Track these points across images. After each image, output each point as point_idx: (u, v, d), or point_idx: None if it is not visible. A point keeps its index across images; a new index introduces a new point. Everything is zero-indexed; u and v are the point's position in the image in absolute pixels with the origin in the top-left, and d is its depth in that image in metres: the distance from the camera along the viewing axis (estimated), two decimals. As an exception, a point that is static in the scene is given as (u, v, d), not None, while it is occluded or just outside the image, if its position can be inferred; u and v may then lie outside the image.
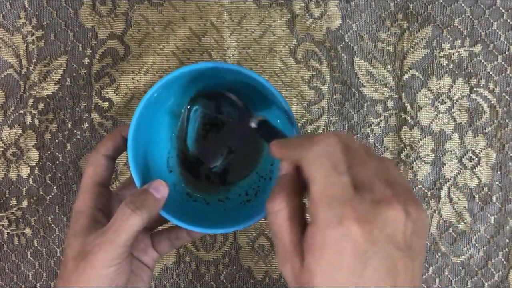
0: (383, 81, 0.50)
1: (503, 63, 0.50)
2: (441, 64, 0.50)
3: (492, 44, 0.50)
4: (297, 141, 0.27)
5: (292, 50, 0.50)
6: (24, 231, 0.50)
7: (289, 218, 0.26)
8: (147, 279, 0.37)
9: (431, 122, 0.50)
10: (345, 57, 0.50)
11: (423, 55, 0.50)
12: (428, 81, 0.50)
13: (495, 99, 0.50)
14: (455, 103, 0.50)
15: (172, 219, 0.34)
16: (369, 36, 0.50)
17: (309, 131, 0.50)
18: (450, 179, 0.50)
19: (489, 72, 0.50)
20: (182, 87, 0.39)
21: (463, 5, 0.50)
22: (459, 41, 0.50)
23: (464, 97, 0.50)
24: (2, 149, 0.50)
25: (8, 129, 0.50)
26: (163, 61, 0.50)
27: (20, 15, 0.49)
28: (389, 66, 0.50)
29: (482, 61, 0.50)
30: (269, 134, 0.31)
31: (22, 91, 0.50)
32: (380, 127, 0.50)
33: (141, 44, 0.50)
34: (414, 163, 0.50)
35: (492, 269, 0.50)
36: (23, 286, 0.50)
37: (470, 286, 0.50)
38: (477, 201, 0.50)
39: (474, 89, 0.50)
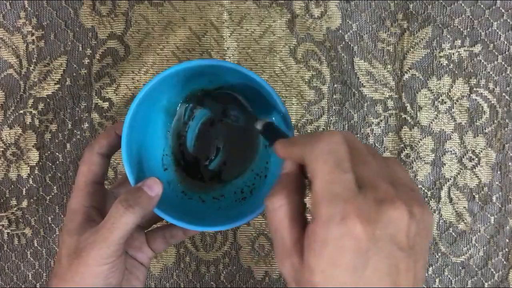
0: (383, 81, 0.50)
1: (503, 63, 0.50)
2: (441, 64, 0.50)
3: (492, 44, 0.50)
4: (301, 139, 0.27)
5: (292, 50, 0.50)
6: (24, 231, 0.50)
7: (289, 215, 0.26)
8: (142, 277, 0.37)
9: (431, 122, 0.50)
10: (345, 57, 0.50)
11: (423, 55, 0.50)
12: (428, 81, 0.50)
13: (495, 99, 0.50)
14: (455, 103, 0.50)
15: (167, 217, 0.34)
16: (369, 36, 0.50)
17: (309, 131, 0.50)
18: (450, 179, 0.50)
19: (489, 72, 0.50)
20: (177, 85, 0.38)
21: (463, 5, 0.50)
22: (459, 41, 0.50)
23: (464, 97, 0.50)
24: (2, 149, 0.50)
25: (8, 129, 0.50)
26: (163, 61, 0.50)
27: (20, 15, 0.49)
28: (389, 66, 0.50)
29: (482, 61, 0.50)
30: (274, 136, 0.31)
31: (22, 91, 0.50)
32: (380, 127, 0.50)
33: (141, 44, 0.50)
34: (414, 163, 0.50)
35: (492, 269, 0.50)
36: (23, 286, 0.50)
37: (470, 286, 0.50)
38: (477, 201, 0.50)
39: (474, 89, 0.50)
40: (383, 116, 0.50)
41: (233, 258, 0.51)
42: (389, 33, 0.50)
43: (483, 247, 0.50)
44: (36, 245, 0.50)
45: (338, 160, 0.24)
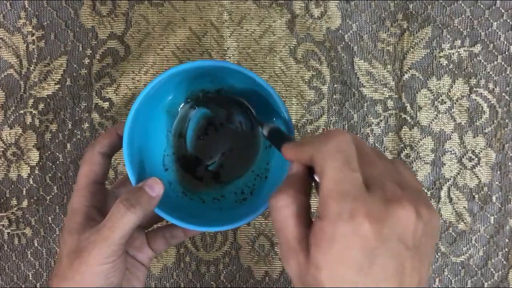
0: (383, 81, 0.50)
1: (503, 63, 0.50)
2: (441, 64, 0.50)
3: (492, 44, 0.50)
4: (310, 139, 0.27)
5: (292, 50, 0.50)
6: (24, 231, 0.50)
7: (294, 214, 0.26)
8: (143, 277, 0.37)
9: (431, 122, 0.50)
10: (345, 57, 0.50)
11: (423, 55, 0.50)
12: (428, 81, 0.50)
13: (495, 99, 0.50)
14: (455, 103, 0.50)
15: (167, 217, 0.34)
16: (369, 36, 0.50)
17: (309, 131, 0.50)
18: (450, 179, 0.50)
19: (489, 72, 0.50)
20: (178, 86, 0.39)
21: (463, 5, 0.50)
22: (459, 41, 0.50)
23: (464, 97, 0.50)
24: (2, 149, 0.50)
25: (8, 129, 0.50)
26: (163, 61, 0.50)
27: (20, 15, 0.49)
28: (389, 66, 0.50)
29: (482, 61, 0.50)
30: (280, 140, 0.31)
31: (22, 91, 0.50)
32: (380, 127, 0.50)
33: (141, 44, 0.50)
34: (414, 163, 0.50)
35: (492, 269, 0.50)
36: (23, 286, 0.50)
37: (470, 286, 0.50)
38: (477, 201, 0.50)
39: (474, 89, 0.50)
40: (383, 116, 0.50)
41: (233, 258, 0.51)
42: (389, 33, 0.50)
43: (483, 247, 0.50)
44: (36, 245, 0.50)
45: (347, 159, 0.24)
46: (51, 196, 0.50)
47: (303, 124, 0.50)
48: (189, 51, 0.50)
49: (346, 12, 0.50)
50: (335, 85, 0.50)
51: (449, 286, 0.51)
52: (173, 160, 0.40)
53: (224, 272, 0.51)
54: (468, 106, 0.50)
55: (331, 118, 0.50)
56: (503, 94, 0.50)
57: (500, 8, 0.50)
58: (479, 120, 0.50)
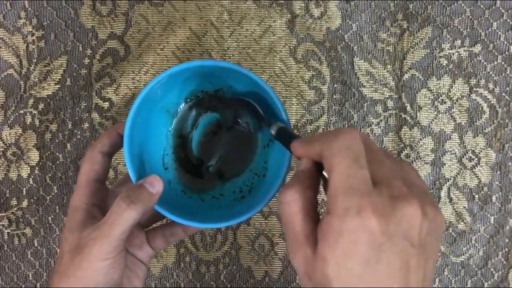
0: (383, 81, 0.50)
1: (503, 63, 0.50)
2: (441, 64, 0.50)
3: (492, 44, 0.50)
4: (319, 136, 0.28)
5: (292, 50, 0.50)
6: (24, 231, 0.50)
7: (302, 209, 0.26)
8: (142, 276, 0.38)
9: (431, 122, 0.50)
10: (345, 57, 0.50)
11: (423, 55, 0.50)
12: (428, 81, 0.50)
13: (494, 99, 0.50)
14: (455, 103, 0.50)
15: (167, 213, 0.35)
16: (369, 36, 0.50)
17: (309, 131, 0.50)
18: (450, 179, 0.50)
19: (489, 72, 0.50)
20: (178, 86, 0.39)
21: (463, 5, 0.50)
22: (459, 41, 0.50)
23: (464, 97, 0.50)
24: (2, 149, 0.50)
25: (8, 129, 0.50)
26: (163, 61, 0.50)
27: (20, 15, 0.49)
28: (389, 66, 0.50)
29: (482, 61, 0.50)
30: (288, 138, 0.32)
31: (22, 91, 0.50)
32: (380, 127, 0.50)
33: (141, 44, 0.50)
34: (414, 163, 0.50)
35: (492, 269, 0.50)
36: (23, 286, 0.50)
37: (470, 286, 0.50)
38: (477, 201, 0.50)
39: (474, 89, 0.50)
40: (383, 116, 0.50)
41: (233, 258, 0.51)
42: (389, 33, 0.50)
43: (483, 247, 0.50)
44: (36, 245, 0.50)
45: (356, 155, 0.25)
46: (51, 196, 0.50)
47: (303, 124, 0.50)
48: (189, 51, 0.50)
49: (346, 12, 0.50)
50: (335, 85, 0.50)
51: (449, 286, 0.51)
52: (172, 159, 0.41)
53: (224, 272, 0.51)
54: (468, 106, 0.50)
55: (331, 118, 0.50)
56: (503, 94, 0.50)
57: (500, 8, 0.50)
58: (479, 120, 0.50)
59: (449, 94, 0.50)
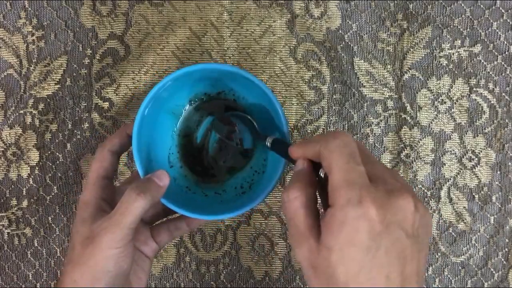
0: (383, 81, 0.50)
1: (503, 63, 0.50)
2: (441, 64, 0.50)
3: (492, 44, 0.50)
4: (316, 137, 0.30)
5: (292, 50, 0.50)
6: (24, 231, 0.50)
7: (304, 204, 0.29)
8: (147, 269, 0.40)
9: (431, 122, 0.50)
10: (345, 57, 0.50)
11: (423, 55, 0.50)
12: (428, 81, 0.50)
13: (494, 99, 0.50)
14: (455, 103, 0.50)
15: (173, 206, 0.37)
16: (369, 36, 0.50)
17: (309, 131, 0.50)
18: (450, 179, 0.50)
19: (489, 72, 0.50)
20: (182, 88, 0.41)
21: (463, 5, 0.50)
22: (459, 41, 0.50)
23: (464, 97, 0.50)
24: (2, 149, 0.50)
25: (8, 129, 0.50)
26: (163, 61, 0.50)
27: (20, 15, 0.49)
28: (389, 66, 0.50)
29: (482, 61, 0.50)
30: (283, 148, 0.34)
31: (22, 91, 0.50)
32: (380, 127, 0.50)
33: (141, 44, 0.50)
34: (414, 163, 0.50)
35: (492, 269, 0.50)
36: (23, 286, 0.50)
37: (470, 286, 0.50)
38: (477, 201, 0.50)
39: (474, 89, 0.50)
40: (383, 116, 0.50)
41: (233, 258, 0.51)
42: (389, 33, 0.50)
43: (483, 247, 0.50)
44: (36, 245, 0.50)
45: (352, 153, 0.27)
46: (51, 196, 0.50)
47: (303, 124, 0.50)
48: (189, 51, 0.50)
49: (346, 12, 0.50)
50: (335, 85, 0.50)
51: (449, 286, 0.51)
52: (177, 157, 0.43)
53: (224, 272, 0.51)
54: (468, 106, 0.50)
55: (331, 118, 0.50)
56: (503, 94, 0.50)
57: (500, 8, 0.50)
58: (479, 120, 0.50)
59: (449, 94, 0.50)
